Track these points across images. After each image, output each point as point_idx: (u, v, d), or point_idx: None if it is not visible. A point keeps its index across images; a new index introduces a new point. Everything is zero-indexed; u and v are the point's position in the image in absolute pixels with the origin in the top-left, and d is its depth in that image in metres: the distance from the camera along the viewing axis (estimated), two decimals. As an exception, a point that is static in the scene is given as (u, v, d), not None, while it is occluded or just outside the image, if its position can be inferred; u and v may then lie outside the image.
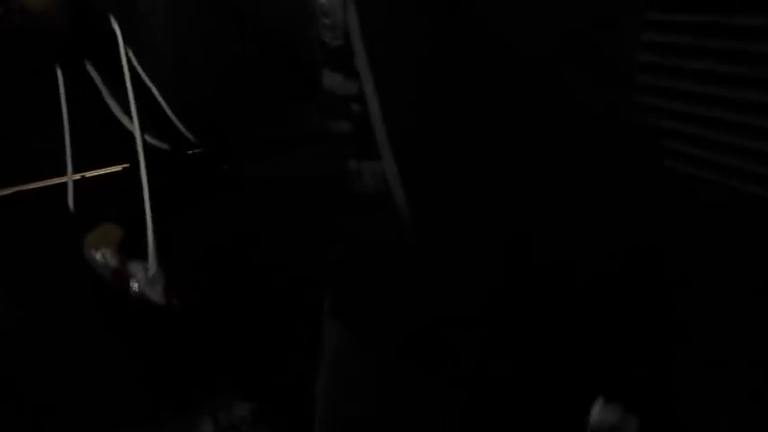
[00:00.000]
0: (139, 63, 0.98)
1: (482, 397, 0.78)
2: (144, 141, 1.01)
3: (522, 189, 0.65)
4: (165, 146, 1.08)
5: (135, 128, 1.00)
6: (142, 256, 1.04)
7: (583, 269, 0.69)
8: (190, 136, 1.02)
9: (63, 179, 1.13)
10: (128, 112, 1.01)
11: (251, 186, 1.08)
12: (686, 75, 0.87)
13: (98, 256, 1.07)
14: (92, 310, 1.35)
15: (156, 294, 1.04)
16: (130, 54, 0.97)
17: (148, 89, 0.99)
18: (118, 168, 1.25)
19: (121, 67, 0.97)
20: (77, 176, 1.14)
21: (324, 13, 0.64)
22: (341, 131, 0.68)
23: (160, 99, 0.99)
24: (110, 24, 0.96)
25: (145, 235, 1.03)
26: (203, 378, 1.46)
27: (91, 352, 1.45)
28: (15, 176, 1.46)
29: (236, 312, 1.21)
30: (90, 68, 1.06)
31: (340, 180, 0.71)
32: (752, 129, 0.80)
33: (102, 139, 1.18)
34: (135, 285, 1.04)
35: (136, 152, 1.01)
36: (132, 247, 1.07)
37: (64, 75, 1.06)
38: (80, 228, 1.13)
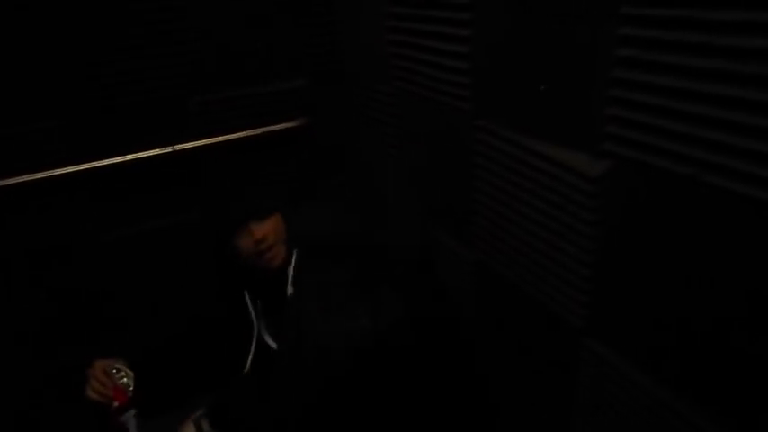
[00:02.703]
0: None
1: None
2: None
3: None
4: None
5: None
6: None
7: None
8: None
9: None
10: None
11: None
12: (662, 69, 0.87)
13: (116, 368, 1.28)
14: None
15: (132, 426, 1.28)
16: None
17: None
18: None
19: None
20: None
21: None
22: None
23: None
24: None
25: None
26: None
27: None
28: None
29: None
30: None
31: None
32: (728, 124, 0.80)
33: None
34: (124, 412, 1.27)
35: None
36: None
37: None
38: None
